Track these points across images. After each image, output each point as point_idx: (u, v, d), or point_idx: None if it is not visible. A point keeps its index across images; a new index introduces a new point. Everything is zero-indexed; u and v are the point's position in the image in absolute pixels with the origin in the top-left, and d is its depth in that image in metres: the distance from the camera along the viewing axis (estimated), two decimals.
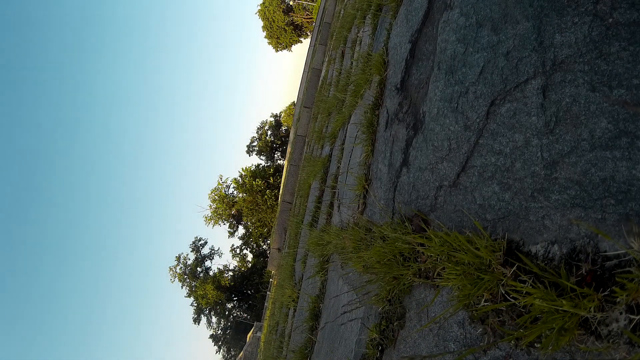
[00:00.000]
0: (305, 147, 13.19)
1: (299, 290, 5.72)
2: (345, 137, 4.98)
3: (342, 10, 10.90)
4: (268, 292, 28.22)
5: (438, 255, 1.71)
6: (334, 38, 11.33)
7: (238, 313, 53.43)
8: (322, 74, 13.46)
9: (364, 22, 5.66)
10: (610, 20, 1.15)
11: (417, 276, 1.89)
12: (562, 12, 1.32)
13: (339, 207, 4.21)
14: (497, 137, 1.54)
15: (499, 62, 1.60)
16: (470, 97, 1.77)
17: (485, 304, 1.37)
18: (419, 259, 1.91)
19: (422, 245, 1.86)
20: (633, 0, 1.10)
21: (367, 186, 3.16)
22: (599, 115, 1.12)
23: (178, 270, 50.77)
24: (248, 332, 36.47)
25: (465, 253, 1.48)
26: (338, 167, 5.03)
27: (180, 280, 50.60)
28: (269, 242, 46.27)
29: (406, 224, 2.14)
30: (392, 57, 3.18)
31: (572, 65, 1.24)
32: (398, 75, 2.85)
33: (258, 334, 25.71)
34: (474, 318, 1.44)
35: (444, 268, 1.62)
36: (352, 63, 6.10)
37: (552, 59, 1.33)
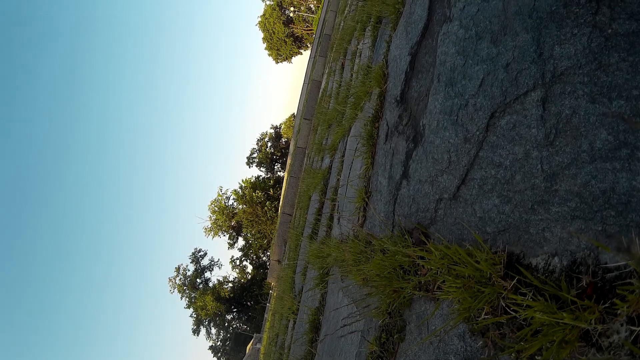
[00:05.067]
0: (305, 159, 13.20)
1: (299, 302, 5.69)
2: (345, 149, 4.98)
3: (342, 22, 10.96)
4: (268, 304, 28.15)
5: (438, 268, 1.70)
6: (333, 50, 11.38)
7: (237, 324, 53.35)
8: (322, 85, 13.50)
9: (364, 34, 5.68)
10: (610, 31, 1.15)
11: (417, 289, 1.88)
12: (561, 23, 1.33)
13: (339, 219, 4.21)
14: (497, 150, 1.54)
15: (499, 74, 1.61)
16: (470, 109, 1.77)
17: (486, 317, 1.36)
18: (419, 272, 1.90)
19: (422, 258, 1.85)
20: (632, 11, 1.10)
21: (367, 199, 3.16)
22: (598, 127, 1.12)
23: (177, 281, 50.85)
24: (247, 344, 36.39)
25: (466, 266, 1.47)
26: (338, 180, 5.03)
27: (179, 291, 50.67)
28: (268, 253, 46.24)
29: (406, 236, 2.13)
30: (391, 70, 3.19)
31: (572, 77, 1.25)
32: (398, 87, 2.86)
33: (258, 345, 25.64)
34: (474, 331, 1.43)
35: (444, 281, 1.62)
36: (352, 75, 6.13)
37: (552, 70, 1.33)
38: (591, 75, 1.18)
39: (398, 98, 2.80)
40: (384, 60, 3.53)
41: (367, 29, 5.43)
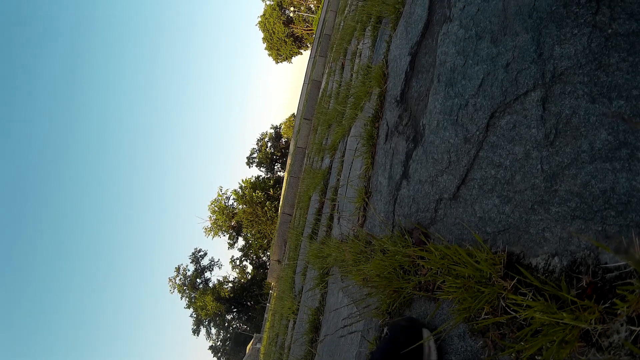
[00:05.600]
0: (305, 159, 13.19)
1: (299, 302, 5.69)
2: (345, 149, 4.98)
3: (342, 22, 10.95)
4: (268, 304, 28.13)
5: (438, 268, 1.70)
6: (333, 50, 11.38)
7: (237, 324, 53.32)
8: (322, 85, 13.49)
9: (364, 34, 5.68)
10: (610, 31, 1.15)
11: (417, 289, 1.88)
12: (561, 23, 1.33)
13: (338, 219, 4.20)
14: (497, 150, 1.54)
15: (499, 74, 1.61)
16: (470, 109, 1.77)
17: (486, 317, 1.36)
18: (419, 272, 1.90)
19: (422, 258, 1.85)
20: (632, 11, 1.10)
21: (367, 199, 3.16)
22: (598, 127, 1.12)
23: (177, 281, 50.83)
24: (247, 344, 36.38)
25: (466, 266, 1.47)
26: (338, 180, 5.02)
27: (179, 291, 50.65)
28: (268, 253, 46.20)
29: (406, 237, 2.13)
30: (391, 70, 3.19)
31: (572, 77, 1.25)
32: (398, 87, 2.85)
33: (257, 345, 25.64)
34: (474, 331, 1.43)
35: (444, 281, 1.62)
36: (352, 75, 6.12)
37: (552, 70, 1.33)
38: (591, 75, 1.18)
39: (398, 98, 2.80)
40: (384, 60, 3.53)
41: (367, 29, 5.43)
